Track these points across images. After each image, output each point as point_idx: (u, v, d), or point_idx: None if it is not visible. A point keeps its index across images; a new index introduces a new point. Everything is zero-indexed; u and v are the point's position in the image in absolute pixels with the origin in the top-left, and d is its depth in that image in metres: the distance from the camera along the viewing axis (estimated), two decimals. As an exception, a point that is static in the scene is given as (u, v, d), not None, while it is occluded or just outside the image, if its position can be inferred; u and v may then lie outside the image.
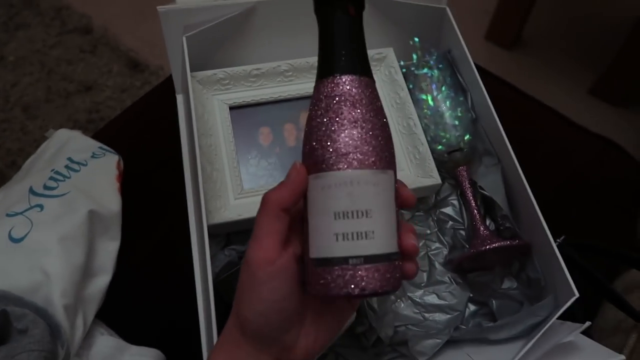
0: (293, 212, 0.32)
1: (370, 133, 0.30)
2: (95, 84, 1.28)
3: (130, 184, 0.57)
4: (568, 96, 1.31)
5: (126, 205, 0.54)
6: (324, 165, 0.30)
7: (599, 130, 0.70)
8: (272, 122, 0.58)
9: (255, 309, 0.31)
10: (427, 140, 0.56)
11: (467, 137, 0.55)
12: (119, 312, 0.50)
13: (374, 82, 0.32)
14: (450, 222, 0.55)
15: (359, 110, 0.31)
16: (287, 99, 0.59)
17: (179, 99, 0.62)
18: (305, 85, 0.59)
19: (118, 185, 0.53)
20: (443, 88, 0.57)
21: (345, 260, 0.29)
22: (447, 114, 0.56)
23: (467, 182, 0.54)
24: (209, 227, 0.50)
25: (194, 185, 0.49)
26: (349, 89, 0.31)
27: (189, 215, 0.52)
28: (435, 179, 0.53)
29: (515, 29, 1.33)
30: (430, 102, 0.57)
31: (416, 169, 0.55)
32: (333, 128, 0.30)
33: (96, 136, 0.62)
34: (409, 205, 0.33)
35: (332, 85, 0.31)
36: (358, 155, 0.30)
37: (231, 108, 0.57)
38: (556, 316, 0.43)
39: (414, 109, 0.57)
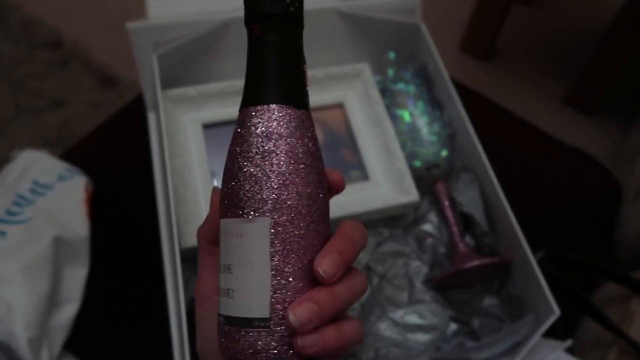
0: None
1: (251, 174, 0.26)
2: (66, 99, 1.24)
3: (100, 207, 0.55)
4: (542, 106, 1.33)
5: (96, 229, 0.52)
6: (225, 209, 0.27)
7: (574, 139, 0.70)
8: (247, 140, 0.56)
9: (198, 345, 0.31)
10: (405, 157, 0.55)
11: (444, 152, 0.55)
12: (89, 342, 0.48)
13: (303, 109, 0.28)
14: (430, 239, 0.54)
15: (244, 151, 0.26)
16: (262, 116, 0.58)
17: (151, 117, 0.60)
18: (281, 102, 0.58)
19: (86, 209, 0.51)
20: (420, 103, 0.57)
21: (218, 319, 0.27)
22: (424, 130, 0.56)
23: (445, 199, 0.53)
24: (182, 251, 0.48)
25: (166, 208, 0.48)
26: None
27: (162, 239, 0.50)
28: (413, 195, 0.53)
29: (489, 40, 1.35)
30: (407, 118, 0.56)
31: (394, 186, 0.54)
32: (233, 169, 0.27)
33: (65, 156, 0.60)
34: (338, 190, 0.29)
35: (255, 116, 0.27)
36: (238, 201, 0.26)
37: (205, 126, 0.56)
38: (537, 336, 0.42)
39: (391, 125, 0.56)
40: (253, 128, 0.26)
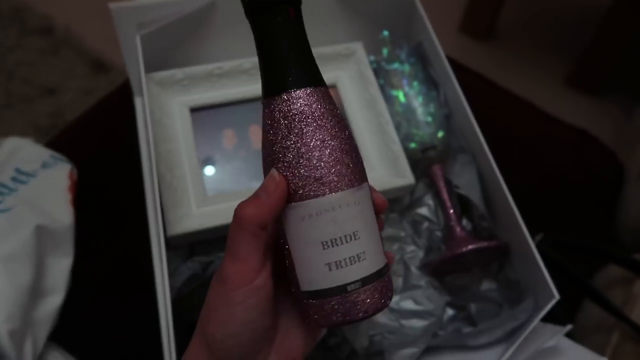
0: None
1: (340, 149, 0.28)
2: (58, 86, 1.22)
3: (86, 195, 0.53)
4: (544, 87, 1.30)
5: (82, 217, 0.51)
6: (299, 194, 0.28)
7: (576, 120, 0.68)
8: (237, 124, 0.54)
9: (226, 330, 0.29)
10: (400, 139, 0.53)
11: (440, 134, 0.53)
12: (76, 334, 0.47)
13: (328, 90, 0.30)
14: (426, 223, 0.52)
15: (324, 128, 0.28)
16: (252, 99, 0.56)
17: (137, 101, 0.58)
18: (271, 84, 0.56)
19: (70, 197, 0.50)
20: (415, 83, 0.55)
21: (342, 288, 0.28)
22: (419, 111, 0.54)
23: (441, 181, 0.51)
24: (170, 239, 0.47)
25: (153, 195, 0.46)
26: (308, 105, 0.28)
27: (150, 227, 0.48)
28: (408, 178, 0.51)
29: (488, 20, 1.32)
30: (402, 99, 0.54)
31: (388, 169, 0.53)
32: (301, 152, 0.28)
33: (51, 143, 0.58)
34: (381, 210, 0.32)
35: (288, 102, 0.28)
36: (333, 177, 0.28)
37: (192, 110, 0.54)
38: (536, 320, 0.41)
39: (385, 106, 0.55)
40: (328, 104, 0.29)
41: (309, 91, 0.28)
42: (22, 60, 1.26)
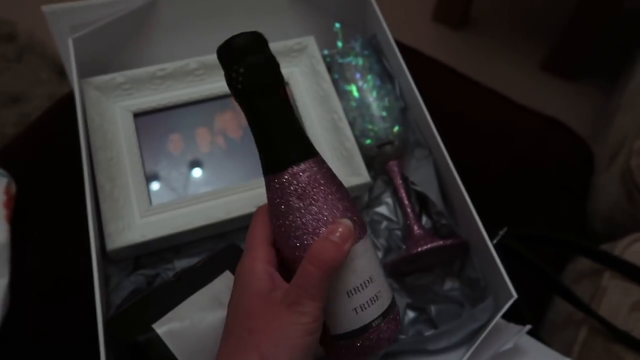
0: None
1: (347, 207, 0.31)
2: (22, 94, 1.19)
3: (27, 209, 0.51)
4: (520, 73, 1.28)
5: (20, 234, 0.48)
6: None
7: (553, 105, 0.66)
8: (183, 128, 0.52)
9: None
10: (355, 135, 0.51)
11: (396, 128, 0.50)
12: (15, 355, 0.44)
13: (320, 155, 0.32)
14: (385, 222, 0.50)
15: (330, 190, 0.30)
16: (199, 101, 0.53)
17: (78, 108, 0.55)
18: (219, 84, 0.54)
19: (6, 213, 0.47)
20: (369, 77, 0.53)
21: (368, 326, 0.31)
22: (374, 105, 0.51)
23: (398, 178, 0.49)
24: (111, 253, 0.44)
25: (92, 207, 0.43)
26: (313, 175, 0.30)
27: (90, 243, 0.45)
28: (364, 177, 0.49)
29: (462, 8, 1.29)
30: (355, 94, 0.52)
31: (344, 167, 0.50)
32: (317, 217, 0.30)
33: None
34: None
35: (296, 176, 0.30)
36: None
37: (136, 115, 0.51)
38: (494, 321, 0.39)
39: (339, 102, 0.52)
40: (325, 168, 0.31)
41: (311, 162, 0.30)
42: (-16, 69, 1.22)
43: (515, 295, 0.38)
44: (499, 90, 0.67)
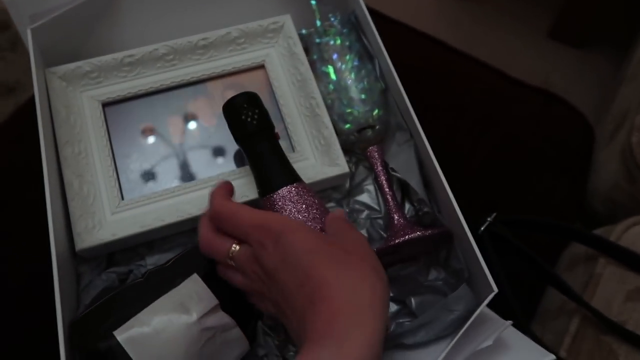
0: None
1: (321, 215, 0.39)
2: (18, 83, 1.18)
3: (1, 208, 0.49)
4: (527, 42, 1.23)
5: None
6: None
7: (560, 74, 0.62)
8: (155, 117, 0.50)
9: None
10: (334, 119, 0.48)
11: (376, 111, 0.48)
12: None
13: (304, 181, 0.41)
14: (366, 212, 0.48)
15: (310, 203, 0.39)
16: (171, 87, 0.51)
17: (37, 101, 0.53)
18: (191, 70, 0.51)
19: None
20: (348, 57, 0.50)
21: None
22: (352, 88, 0.48)
23: (379, 164, 0.47)
24: (80, 252, 0.43)
25: (54, 205, 0.41)
26: (301, 193, 0.39)
27: (50, 243, 0.43)
28: (341, 167, 0.46)
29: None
30: (333, 76, 0.49)
31: (322, 157, 0.48)
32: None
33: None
34: None
35: (289, 193, 0.39)
36: None
37: (105, 105, 0.49)
38: (474, 316, 0.36)
39: (316, 86, 0.49)
40: (305, 192, 0.40)
41: (299, 184, 0.40)
42: (-22, 58, 1.21)
43: (495, 289, 0.36)
44: (502, 60, 0.63)
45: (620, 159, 0.53)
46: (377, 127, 0.47)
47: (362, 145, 0.48)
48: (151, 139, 0.49)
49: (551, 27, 1.21)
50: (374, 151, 0.47)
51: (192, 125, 0.50)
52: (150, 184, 0.47)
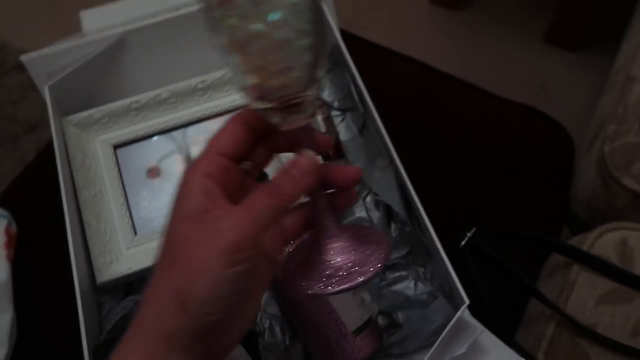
0: None
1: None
2: (40, 121, 1.26)
3: (28, 247, 0.55)
4: (523, 48, 1.26)
5: (23, 270, 0.53)
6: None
7: (558, 78, 0.64)
8: (160, 156, 0.55)
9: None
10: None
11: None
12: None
13: None
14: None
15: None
16: (174, 127, 0.56)
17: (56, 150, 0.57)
18: (192, 110, 0.56)
19: (6, 253, 0.52)
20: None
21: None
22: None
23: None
24: (100, 285, 0.48)
25: (76, 245, 0.47)
26: None
27: (74, 279, 0.48)
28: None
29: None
30: (318, 109, 0.54)
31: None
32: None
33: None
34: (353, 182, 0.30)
35: None
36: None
37: (116, 147, 0.55)
38: (449, 326, 0.40)
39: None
40: None
41: None
42: (4, 99, 1.30)
43: (466, 301, 0.40)
44: (498, 65, 0.65)
45: (596, 168, 0.56)
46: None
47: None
48: (159, 177, 0.54)
49: (547, 32, 1.24)
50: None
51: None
52: (160, 219, 0.52)
